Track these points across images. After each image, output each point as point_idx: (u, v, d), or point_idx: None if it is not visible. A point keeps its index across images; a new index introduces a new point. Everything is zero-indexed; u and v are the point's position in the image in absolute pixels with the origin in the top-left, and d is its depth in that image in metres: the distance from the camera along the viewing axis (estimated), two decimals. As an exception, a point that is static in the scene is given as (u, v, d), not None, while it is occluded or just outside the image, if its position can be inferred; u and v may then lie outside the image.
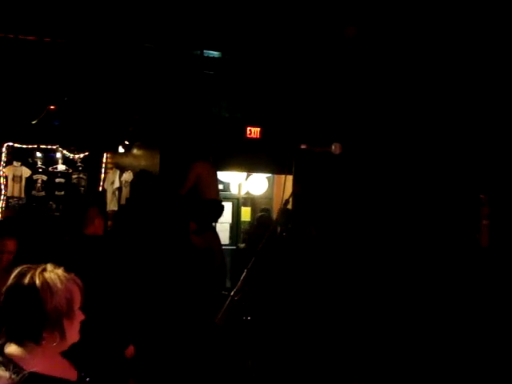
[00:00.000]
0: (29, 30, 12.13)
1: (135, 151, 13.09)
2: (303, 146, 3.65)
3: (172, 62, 12.21)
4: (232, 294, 3.50)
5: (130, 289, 5.64)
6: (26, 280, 2.38)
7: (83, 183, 14.17)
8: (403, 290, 8.76)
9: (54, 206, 14.09)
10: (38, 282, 2.39)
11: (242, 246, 12.91)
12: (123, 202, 12.85)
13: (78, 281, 2.60)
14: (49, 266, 2.51)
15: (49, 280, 2.41)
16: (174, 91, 12.06)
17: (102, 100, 12.47)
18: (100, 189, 13.89)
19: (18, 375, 2.19)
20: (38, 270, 2.45)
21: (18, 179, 13.55)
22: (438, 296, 8.54)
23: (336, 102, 9.95)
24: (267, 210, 12.62)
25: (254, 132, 11.91)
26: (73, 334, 2.52)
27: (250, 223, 13.77)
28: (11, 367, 2.20)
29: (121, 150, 12.97)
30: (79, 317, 2.54)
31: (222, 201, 11.22)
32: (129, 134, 12.63)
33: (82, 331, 2.58)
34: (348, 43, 9.55)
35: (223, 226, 14.10)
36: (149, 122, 12.26)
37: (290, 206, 10.93)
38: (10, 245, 5.26)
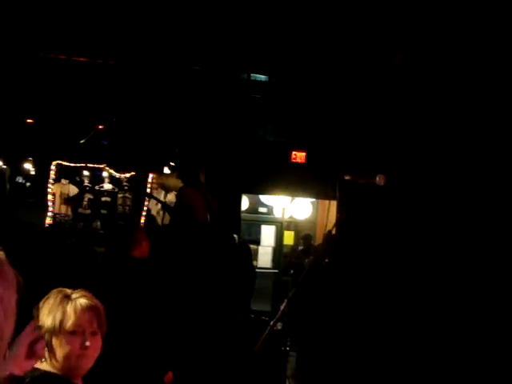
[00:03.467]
0: (81, 51, 12.39)
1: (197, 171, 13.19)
2: (347, 177, 3.62)
3: (219, 85, 12.31)
4: (272, 323, 3.46)
5: (172, 314, 5.64)
6: None
7: (128, 202, 14.31)
8: (449, 321, 8.60)
9: (99, 224, 14.26)
10: None
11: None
12: (167, 222, 12.92)
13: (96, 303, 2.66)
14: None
15: None
16: (221, 114, 12.14)
17: (149, 121, 12.62)
18: (145, 209, 13.99)
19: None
20: None
21: (65, 197, 13.76)
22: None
23: (382, 131, 9.90)
24: (308, 236, 12.62)
25: (299, 156, 11.91)
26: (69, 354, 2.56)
27: (293, 248, 13.73)
28: None
29: (166, 170, 13.08)
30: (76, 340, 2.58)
31: None
32: (174, 156, 12.73)
33: (121, 355, 2.60)
34: (395, 70, 9.50)
35: (265, 250, 14.08)
36: (195, 144, 12.35)
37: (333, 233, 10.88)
38: None
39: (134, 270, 5.47)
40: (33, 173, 14.01)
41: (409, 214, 8.64)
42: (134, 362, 4.30)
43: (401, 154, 8.84)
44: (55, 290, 2.63)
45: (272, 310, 13.62)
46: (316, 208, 14.11)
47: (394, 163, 8.32)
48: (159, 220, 13.13)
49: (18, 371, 2.06)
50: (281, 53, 11.90)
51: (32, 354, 2.09)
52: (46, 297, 2.30)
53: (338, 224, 3.91)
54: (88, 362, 2.63)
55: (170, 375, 5.26)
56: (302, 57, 11.86)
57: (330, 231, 3.87)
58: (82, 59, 12.65)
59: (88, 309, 2.64)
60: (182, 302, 6.56)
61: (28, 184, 14.78)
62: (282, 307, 3.56)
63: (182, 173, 9.79)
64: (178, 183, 13.06)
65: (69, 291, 2.66)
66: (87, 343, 2.60)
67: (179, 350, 5.54)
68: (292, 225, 14.59)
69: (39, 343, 2.11)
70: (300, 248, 13.01)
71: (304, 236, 13.11)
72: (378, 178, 3.60)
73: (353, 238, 8.86)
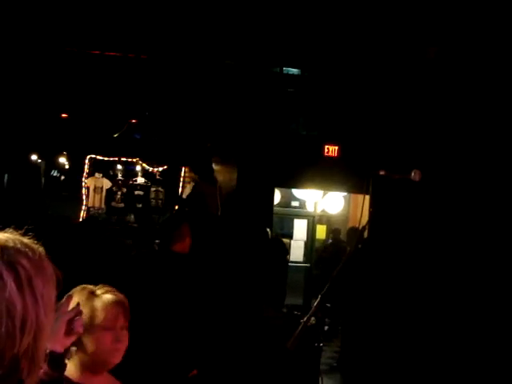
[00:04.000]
0: (113, 46, 12.46)
1: (213, 166, 13.22)
2: (382, 173, 3.57)
3: (252, 79, 12.30)
4: (305, 318, 3.45)
5: (205, 308, 5.64)
6: None
7: (161, 196, 14.41)
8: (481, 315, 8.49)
9: (133, 217, 14.39)
10: None
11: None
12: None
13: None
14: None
15: None
16: (253, 107, 12.12)
17: (181, 115, 12.66)
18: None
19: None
20: None
21: (99, 190, 13.90)
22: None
23: (418, 124, 9.80)
24: (337, 230, 12.60)
25: (331, 150, 11.82)
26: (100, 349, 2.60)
27: (324, 242, 13.68)
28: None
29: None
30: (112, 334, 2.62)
31: None
32: (207, 150, 12.77)
33: (152, 349, 2.62)
34: (429, 64, 9.38)
35: (297, 244, 14.06)
36: (227, 138, 12.37)
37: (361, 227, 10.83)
38: None
39: (173, 264, 5.48)
40: (67, 167, 14.16)
41: (445, 212, 8.54)
42: (165, 356, 4.32)
43: (437, 149, 8.73)
44: (78, 288, 2.64)
45: (304, 303, 13.60)
46: (348, 202, 14.04)
47: (430, 158, 8.23)
48: (192, 214, 13.21)
49: (58, 348, 2.14)
50: (313, 46, 11.84)
51: (70, 330, 2.18)
52: (67, 295, 2.31)
53: (370, 220, 3.87)
54: (118, 357, 2.66)
55: (194, 373, 5.28)
56: (335, 50, 11.79)
57: (362, 229, 3.83)
58: (114, 54, 12.70)
59: (116, 303, 2.67)
60: (215, 297, 6.58)
61: (62, 177, 14.96)
62: (315, 303, 3.55)
63: (197, 168, 9.85)
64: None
65: (93, 287, 2.68)
66: (119, 338, 2.63)
67: (211, 345, 5.55)
68: (324, 219, 14.55)
69: (77, 320, 2.19)
70: (329, 242, 13.01)
71: (333, 230, 13.08)
72: (413, 174, 3.55)
73: (386, 234, 8.80)
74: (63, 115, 12.96)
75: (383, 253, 8.55)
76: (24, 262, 1.34)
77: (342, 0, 10.82)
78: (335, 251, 12.21)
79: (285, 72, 12.88)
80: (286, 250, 11.83)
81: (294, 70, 12.95)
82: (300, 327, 3.44)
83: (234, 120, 12.20)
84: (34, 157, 13.89)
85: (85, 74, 12.37)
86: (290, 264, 13.33)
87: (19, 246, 1.36)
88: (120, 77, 12.50)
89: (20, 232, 1.42)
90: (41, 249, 1.42)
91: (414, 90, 9.64)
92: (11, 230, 1.41)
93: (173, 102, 12.53)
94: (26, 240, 1.40)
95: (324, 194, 13.61)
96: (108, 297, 2.65)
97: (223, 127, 12.42)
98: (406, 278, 8.18)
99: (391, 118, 10.87)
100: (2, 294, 1.29)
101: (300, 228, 14.14)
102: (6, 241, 1.36)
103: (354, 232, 11.35)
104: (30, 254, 1.36)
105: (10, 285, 1.30)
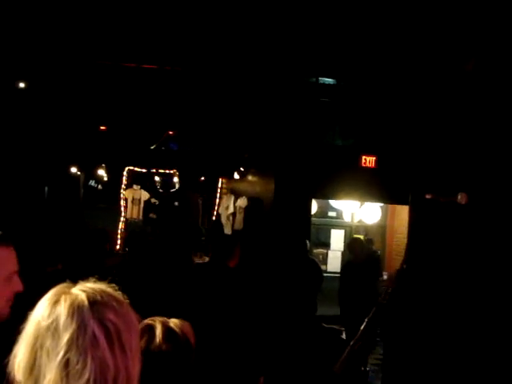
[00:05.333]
0: (150, 59, 12.60)
1: (250, 178, 13.27)
2: (428, 196, 3.58)
3: (288, 90, 12.32)
4: (352, 343, 3.46)
5: (262, 320, 5.70)
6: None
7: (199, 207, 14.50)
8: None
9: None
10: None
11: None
12: (237, 227, 13.03)
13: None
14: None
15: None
16: (290, 118, 12.14)
17: (218, 127, 12.73)
18: (214, 213, 14.15)
19: None
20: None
21: (137, 202, 14.02)
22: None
23: (460, 140, 9.66)
24: (370, 241, 12.51)
25: (369, 161, 11.79)
26: None
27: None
28: None
29: (236, 176, 13.18)
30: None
31: None
32: (244, 161, 12.82)
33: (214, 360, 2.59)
34: (468, 76, 9.30)
35: (334, 254, 14.04)
36: (264, 149, 12.40)
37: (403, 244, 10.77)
38: None
39: (230, 278, 5.58)
40: (106, 179, 14.32)
41: (493, 237, 8.42)
42: (233, 367, 4.38)
43: (485, 169, 8.61)
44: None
45: (341, 314, 13.53)
46: (385, 212, 13.97)
47: (477, 179, 8.12)
48: (229, 225, 13.26)
49: None
50: (350, 55, 11.82)
51: None
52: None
53: (409, 238, 3.85)
54: None
55: (261, 380, 5.31)
56: (373, 58, 11.75)
57: (406, 249, 3.82)
58: (151, 66, 12.82)
59: None
60: (262, 309, 6.61)
61: (100, 187, 15.08)
62: (361, 327, 3.56)
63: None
64: (248, 188, 13.20)
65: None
66: None
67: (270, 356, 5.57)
68: (361, 229, 14.48)
69: None
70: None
71: (366, 240, 12.95)
72: (459, 197, 3.54)
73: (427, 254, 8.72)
74: (102, 128, 13.10)
75: (424, 272, 8.48)
76: (112, 316, 1.38)
77: (379, 11, 10.79)
78: (368, 262, 12.11)
79: (320, 82, 12.86)
80: (321, 273, 11.76)
81: (330, 80, 12.93)
82: (347, 351, 3.46)
83: (271, 131, 12.23)
84: (73, 169, 14.07)
85: (122, 87, 12.51)
86: (327, 274, 13.31)
87: (106, 299, 1.40)
88: (156, 89, 12.61)
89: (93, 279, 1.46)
90: (124, 298, 1.46)
91: (459, 104, 9.54)
92: (94, 280, 1.45)
93: (209, 113, 12.60)
94: (110, 291, 1.45)
95: (361, 205, 13.58)
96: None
97: (260, 138, 12.46)
98: (448, 298, 8.11)
99: (433, 130, 10.78)
100: (96, 352, 1.34)
101: (337, 238, 14.14)
102: (94, 294, 1.40)
103: (356, 242, 11.23)
104: (117, 307, 1.41)
105: (102, 342, 1.35)
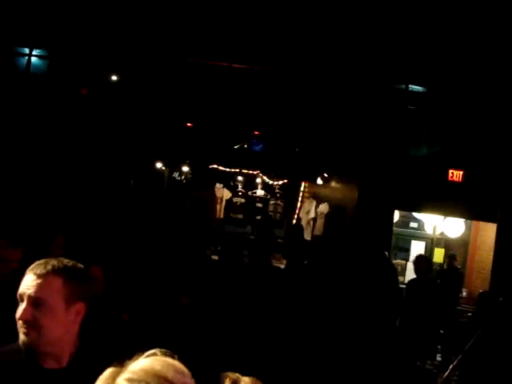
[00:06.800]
0: (241, 58, 12.70)
1: (333, 184, 13.21)
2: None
3: (376, 96, 12.20)
4: (445, 376, 3.42)
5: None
6: None
7: (279, 210, 14.51)
8: None
9: (249, 228, 14.58)
10: None
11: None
12: (317, 232, 13.01)
13: None
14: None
15: None
16: (376, 126, 12.03)
17: (304, 130, 12.71)
18: (295, 217, 14.14)
19: None
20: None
21: (219, 200, 14.15)
22: None
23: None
24: (453, 256, 12.19)
25: (456, 175, 11.55)
26: None
27: (438, 268, 13.09)
28: None
29: (319, 181, 13.13)
30: None
31: None
32: (329, 167, 12.76)
33: None
34: None
35: (414, 266, 13.80)
36: (349, 157, 12.32)
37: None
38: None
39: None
40: (189, 175, 14.49)
41: None
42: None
43: None
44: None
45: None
46: (469, 227, 13.61)
47: None
48: (309, 230, 13.25)
49: None
50: (442, 62, 11.62)
51: None
52: None
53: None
54: None
55: None
56: (464, 68, 11.53)
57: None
58: (241, 66, 12.92)
59: None
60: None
61: (184, 180, 15.14)
62: (455, 360, 3.51)
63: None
64: (330, 194, 13.16)
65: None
66: None
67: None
68: (442, 242, 14.13)
69: None
70: (444, 267, 12.47)
71: (449, 256, 12.58)
72: None
73: None
74: (188, 125, 13.25)
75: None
76: None
77: (478, 17, 10.61)
78: (449, 278, 11.84)
79: (410, 89, 12.68)
80: (396, 272, 11.54)
81: (419, 88, 12.73)
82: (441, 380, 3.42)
83: (357, 138, 12.14)
84: (158, 164, 14.30)
85: (211, 85, 12.64)
86: (404, 286, 13.10)
87: (175, 377, 1.37)
88: (245, 89, 12.69)
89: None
90: (181, 367, 1.42)
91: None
92: (157, 352, 1.43)
93: (296, 116, 12.60)
94: (176, 364, 1.42)
95: (444, 217, 13.30)
96: None
97: (346, 145, 12.38)
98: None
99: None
100: None
101: (417, 250, 13.87)
102: (163, 372, 1.37)
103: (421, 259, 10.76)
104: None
105: None
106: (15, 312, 2.23)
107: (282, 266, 11.98)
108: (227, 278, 7.38)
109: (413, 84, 12.62)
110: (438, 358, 11.53)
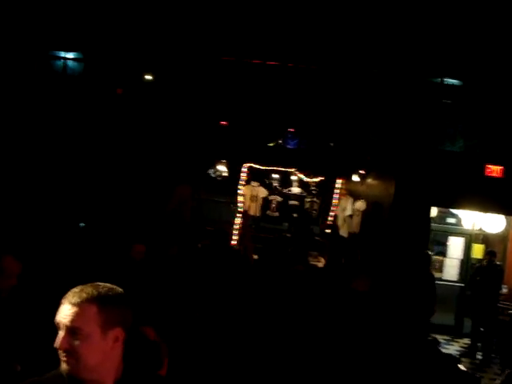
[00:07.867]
0: (275, 55, 12.69)
1: (370, 181, 13.14)
2: None
3: (411, 90, 12.11)
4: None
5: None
6: None
7: (315, 207, 14.47)
8: None
9: (286, 226, 14.59)
10: None
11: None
12: (353, 229, 12.96)
13: None
14: None
15: None
16: (413, 122, 11.94)
17: (340, 127, 12.67)
18: (332, 214, 14.08)
19: None
20: None
21: (255, 198, 14.16)
22: None
23: None
24: (492, 253, 11.98)
25: (494, 170, 11.41)
26: None
27: (478, 265, 12.87)
28: None
29: (355, 178, 13.07)
30: None
31: None
32: (365, 163, 12.70)
33: None
34: None
35: (452, 262, 13.69)
36: (386, 153, 12.25)
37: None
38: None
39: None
40: (225, 174, 14.49)
41: None
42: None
43: None
44: None
45: (455, 324, 13.20)
46: (509, 223, 13.37)
47: None
48: (345, 228, 13.20)
49: None
50: (476, 54, 11.49)
51: None
52: None
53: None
54: None
55: None
56: (503, 62, 11.39)
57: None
58: (275, 63, 12.91)
59: None
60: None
61: (219, 178, 15.13)
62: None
63: None
64: (367, 191, 13.09)
65: None
66: None
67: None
68: (481, 237, 13.90)
69: None
70: (484, 263, 12.21)
71: (488, 252, 12.32)
72: None
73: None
74: (222, 123, 13.29)
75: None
76: None
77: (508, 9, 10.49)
78: (489, 274, 11.67)
79: (445, 83, 12.55)
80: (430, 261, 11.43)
81: (455, 81, 12.59)
82: None
83: (394, 134, 12.07)
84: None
85: (245, 82, 12.67)
86: (442, 282, 13.01)
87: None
88: (279, 86, 12.68)
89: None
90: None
91: None
92: None
93: (331, 113, 12.56)
94: None
95: (483, 213, 13.12)
96: None
97: (382, 141, 12.31)
98: None
99: None
100: None
101: (455, 246, 13.76)
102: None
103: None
104: None
105: None
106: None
107: (320, 265, 12.05)
108: (268, 278, 7.43)
109: (448, 77, 12.48)
110: (479, 357, 11.47)
